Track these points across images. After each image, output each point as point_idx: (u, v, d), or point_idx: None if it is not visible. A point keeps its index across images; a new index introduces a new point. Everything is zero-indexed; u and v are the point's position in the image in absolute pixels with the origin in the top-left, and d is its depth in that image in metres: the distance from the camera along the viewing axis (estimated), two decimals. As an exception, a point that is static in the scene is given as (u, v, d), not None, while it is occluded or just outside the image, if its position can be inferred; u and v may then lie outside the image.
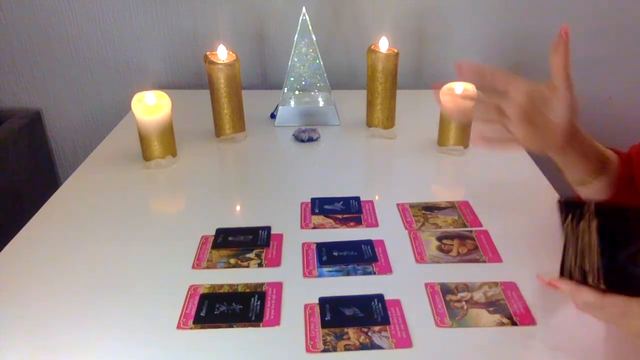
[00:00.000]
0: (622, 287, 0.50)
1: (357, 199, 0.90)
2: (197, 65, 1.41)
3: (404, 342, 0.62)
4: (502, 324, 0.64)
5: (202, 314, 0.66)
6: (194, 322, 0.65)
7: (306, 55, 1.15)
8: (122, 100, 1.43)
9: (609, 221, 0.52)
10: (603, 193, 0.65)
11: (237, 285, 0.71)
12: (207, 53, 1.07)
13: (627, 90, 1.43)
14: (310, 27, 1.12)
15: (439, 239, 0.80)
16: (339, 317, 0.65)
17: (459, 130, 1.04)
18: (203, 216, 0.87)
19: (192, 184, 0.98)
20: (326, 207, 0.88)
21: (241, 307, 0.67)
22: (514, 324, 0.64)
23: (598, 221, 0.53)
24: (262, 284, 0.71)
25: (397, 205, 0.89)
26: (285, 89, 1.18)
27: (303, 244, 0.79)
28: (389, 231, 0.82)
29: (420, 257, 0.76)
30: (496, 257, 0.76)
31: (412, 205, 0.89)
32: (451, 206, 0.88)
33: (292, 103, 1.20)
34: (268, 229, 0.82)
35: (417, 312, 0.66)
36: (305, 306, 0.67)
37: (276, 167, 1.04)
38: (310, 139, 1.12)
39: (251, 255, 0.77)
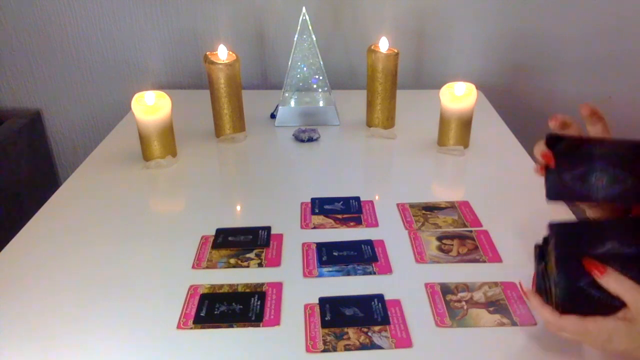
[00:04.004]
0: (584, 309, 0.55)
1: (357, 199, 0.90)
2: (197, 65, 1.41)
3: (404, 342, 0.62)
4: (502, 324, 0.64)
5: (202, 314, 0.66)
6: (194, 322, 0.65)
7: (306, 55, 1.15)
8: (122, 100, 1.43)
9: (570, 251, 0.56)
10: None
11: (237, 285, 0.71)
12: (207, 53, 1.07)
13: (627, 90, 1.43)
14: (310, 27, 1.12)
15: (439, 239, 0.80)
16: (339, 317, 0.65)
17: (459, 130, 1.04)
18: (203, 216, 0.87)
19: (192, 184, 0.98)
20: (326, 207, 0.88)
21: (241, 307, 0.67)
22: (514, 324, 0.64)
23: (556, 252, 0.56)
24: (262, 284, 0.71)
25: (397, 205, 0.89)
26: (285, 89, 1.18)
27: (303, 244, 0.79)
28: (389, 231, 0.82)
29: (420, 257, 0.76)
30: (496, 257, 0.76)
31: (412, 205, 0.89)
32: (451, 206, 0.88)
33: (292, 103, 1.20)
34: (268, 229, 0.82)
35: (417, 312, 0.66)
36: (305, 306, 0.67)
37: (276, 167, 1.04)
38: (310, 139, 1.12)
39: (251, 255, 0.77)
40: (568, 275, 0.55)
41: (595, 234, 0.56)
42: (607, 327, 0.53)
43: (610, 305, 0.54)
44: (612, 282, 0.54)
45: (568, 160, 0.57)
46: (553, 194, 0.58)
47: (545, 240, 0.60)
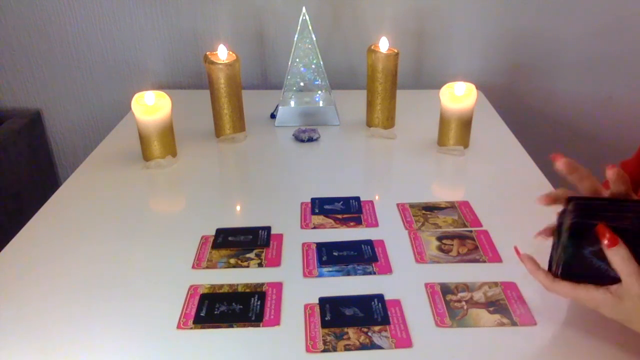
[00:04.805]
0: (581, 275, 0.57)
1: (357, 199, 0.90)
2: (197, 65, 1.41)
3: (404, 342, 0.62)
4: (502, 324, 0.64)
5: (202, 314, 0.66)
6: (194, 322, 0.65)
7: (306, 55, 1.15)
8: (122, 100, 1.43)
9: (585, 220, 0.57)
10: None
11: (237, 285, 0.71)
12: (207, 53, 1.07)
13: (627, 90, 1.43)
14: (310, 27, 1.12)
15: (439, 239, 0.80)
16: (339, 317, 0.65)
17: (459, 130, 1.04)
18: (203, 216, 0.87)
19: (192, 184, 0.98)
20: (326, 207, 0.88)
21: (241, 307, 0.67)
22: (514, 324, 0.64)
23: (572, 219, 0.57)
24: (262, 284, 0.71)
25: (397, 205, 0.89)
26: (285, 89, 1.18)
27: (303, 244, 0.79)
28: (389, 231, 0.82)
29: (420, 257, 0.76)
30: (496, 257, 0.76)
31: (412, 205, 0.89)
32: (451, 206, 0.88)
33: (292, 103, 1.20)
34: (268, 229, 0.82)
35: (417, 312, 0.66)
36: (305, 306, 0.67)
37: (276, 167, 1.04)
38: (310, 139, 1.12)
39: (251, 255, 0.77)
40: (577, 241, 0.57)
41: (615, 210, 0.56)
42: (596, 298, 0.56)
43: (607, 276, 0.55)
44: (618, 258, 0.54)
45: (591, 235, 0.56)
46: (568, 270, 0.58)
47: (564, 211, 0.60)
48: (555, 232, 0.60)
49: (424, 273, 0.73)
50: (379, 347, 0.61)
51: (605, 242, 0.55)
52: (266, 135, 1.16)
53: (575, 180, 0.63)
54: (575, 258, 0.57)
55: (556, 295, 0.59)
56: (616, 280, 0.55)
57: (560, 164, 0.63)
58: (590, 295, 0.56)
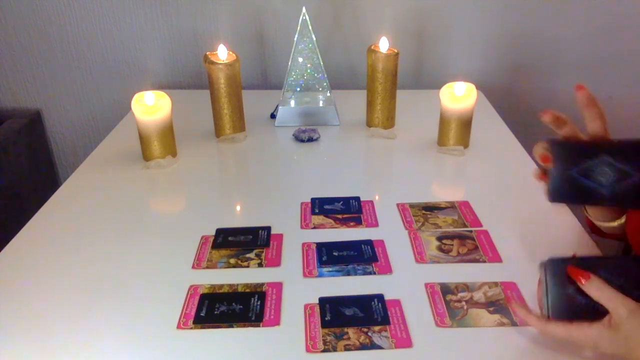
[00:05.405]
0: (571, 315, 0.56)
1: (357, 199, 0.90)
2: (197, 65, 1.41)
3: (404, 342, 0.62)
4: (502, 324, 0.64)
5: (202, 314, 0.66)
6: (194, 322, 0.65)
7: (306, 55, 1.15)
8: (122, 100, 1.43)
9: (558, 258, 0.58)
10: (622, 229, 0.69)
11: (237, 285, 0.71)
12: (207, 53, 1.07)
13: (627, 90, 1.43)
14: (310, 27, 1.12)
15: (439, 239, 0.80)
16: (339, 317, 0.65)
17: (459, 130, 1.04)
18: (203, 216, 0.87)
19: (192, 184, 0.98)
20: (326, 207, 0.88)
21: (241, 307, 0.67)
22: (514, 324, 0.64)
23: (550, 261, 0.58)
24: (262, 284, 0.71)
25: (397, 205, 0.89)
26: (285, 89, 1.18)
27: (303, 244, 0.79)
28: (389, 231, 0.82)
29: (420, 257, 0.76)
30: (496, 257, 0.76)
31: (412, 205, 0.89)
32: (451, 206, 0.88)
33: (292, 103, 1.20)
34: (268, 229, 0.82)
35: (417, 312, 0.66)
36: (305, 306, 0.67)
37: (276, 167, 1.04)
38: (310, 139, 1.12)
39: (251, 255, 0.77)
40: (558, 282, 0.57)
41: (587, 266, 0.57)
42: (592, 335, 0.55)
43: (596, 310, 0.55)
44: (594, 289, 0.55)
45: (574, 155, 0.56)
46: (556, 193, 0.58)
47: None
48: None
49: (424, 273, 0.73)
50: (379, 347, 0.61)
51: (580, 279, 0.55)
52: (266, 135, 1.16)
53: (555, 127, 0.64)
54: (562, 299, 0.57)
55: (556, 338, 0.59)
56: (606, 313, 0.54)
57: (547, 119, 0.63)
58: (585, 333, 0.55)
